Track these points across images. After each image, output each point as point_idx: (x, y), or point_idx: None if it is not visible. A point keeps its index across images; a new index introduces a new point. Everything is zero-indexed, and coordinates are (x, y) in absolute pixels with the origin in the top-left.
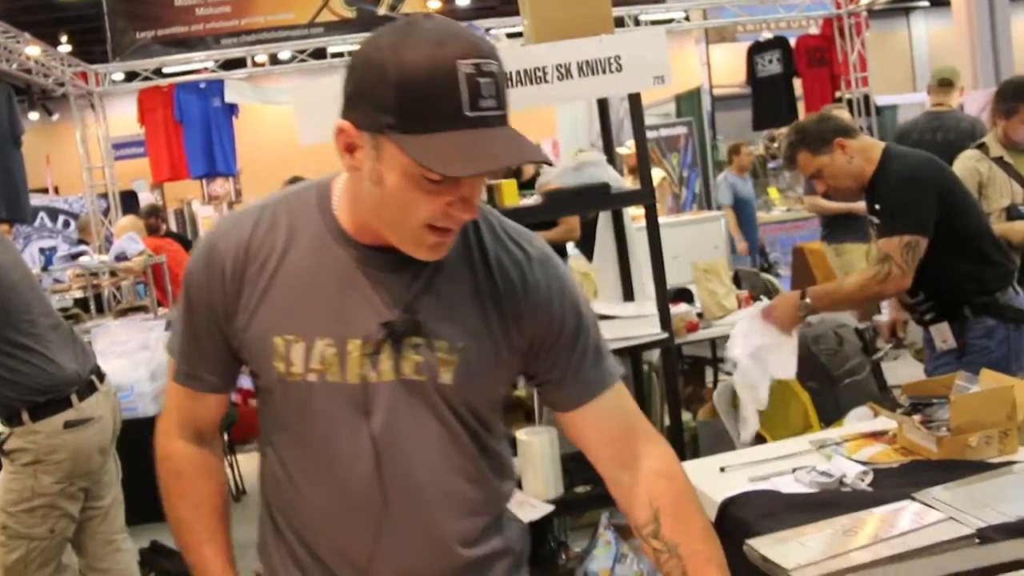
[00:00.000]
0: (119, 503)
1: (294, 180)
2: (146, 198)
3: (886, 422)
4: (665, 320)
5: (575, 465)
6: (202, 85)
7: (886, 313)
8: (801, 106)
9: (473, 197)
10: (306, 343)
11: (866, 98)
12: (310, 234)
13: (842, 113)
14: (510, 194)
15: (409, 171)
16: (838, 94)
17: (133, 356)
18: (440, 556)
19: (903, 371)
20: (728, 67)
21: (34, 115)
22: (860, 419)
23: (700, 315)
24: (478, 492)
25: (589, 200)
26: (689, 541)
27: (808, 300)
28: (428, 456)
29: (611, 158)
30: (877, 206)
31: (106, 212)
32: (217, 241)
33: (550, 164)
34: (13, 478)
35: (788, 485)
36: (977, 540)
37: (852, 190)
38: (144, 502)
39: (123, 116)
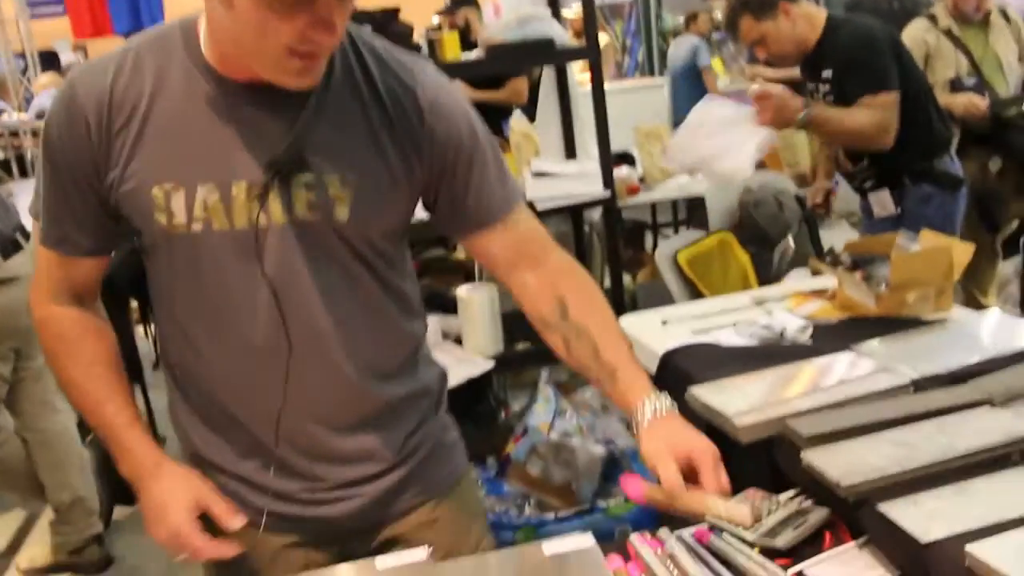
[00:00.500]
0: None
1: None
2: (69, 59)
3: (826, 282)
4: (608, 179)
5: (516, 323)
6: None
7: None
8: None
9: (332, 18)
10: (186, 190)
11: None
12: (179, 75)
13: None
14: (452, 48)
15: None
16: None
17: None
18: (352, 400)
19: (839, 237)
20: None
21: None
22: (799, 280)
23: (641, 179)
24: (385, 333)
25: (533, 55)
26: (596, 322)
27: (813, 113)
28: (328, 298)
29: (556, 18)
30: (827, 72)
31: (24, 71)
32: (76, 93)
33: None
34: None
35: (729, 338)
36: (912, 389)
37: (793, 56)
38: None
39: None
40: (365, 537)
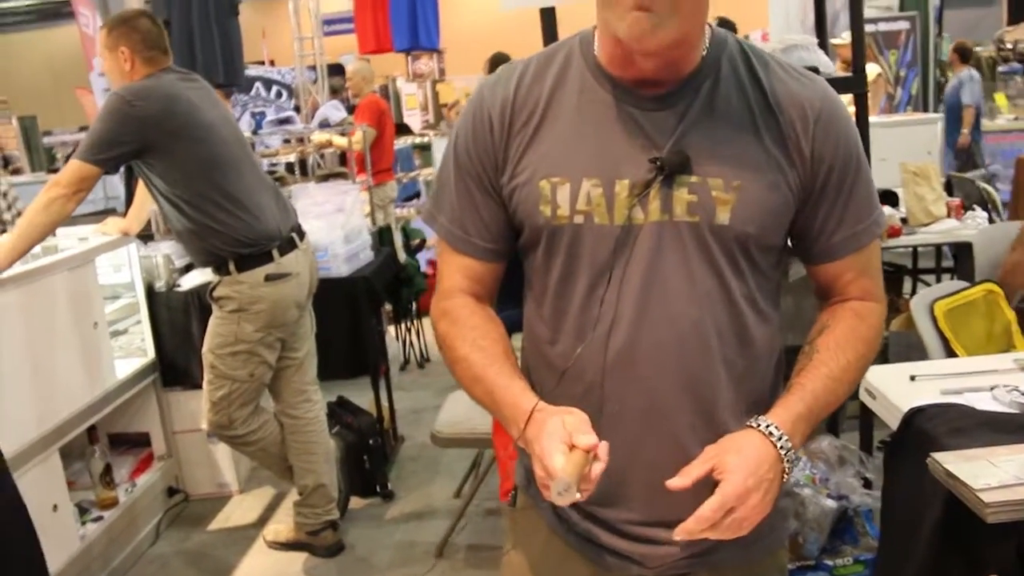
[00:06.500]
0: (312, 356)
1: (496, 58)
2: (352, 67)
3: None
4: None
5: None
6: None
7: None
8: None
9: None
10: (572, 184)
11: None
12: (575, 77)
13: None
14: None
15: None
16: None
17: (329, 218)
18: (704, 422)
19: None
20: None
21: None
22: None
23: (904, 220)
24: (746, 356)
25: None
26: (829, 353)
27: None
28: (694, 307)
29: (824, 48)
30: None
31: (314, 83)
32: (483, 97)
33: None
34: (220, 323)
35: (984, 402)
36: None
37: None
38: (336, 359)
39: None
40: None
